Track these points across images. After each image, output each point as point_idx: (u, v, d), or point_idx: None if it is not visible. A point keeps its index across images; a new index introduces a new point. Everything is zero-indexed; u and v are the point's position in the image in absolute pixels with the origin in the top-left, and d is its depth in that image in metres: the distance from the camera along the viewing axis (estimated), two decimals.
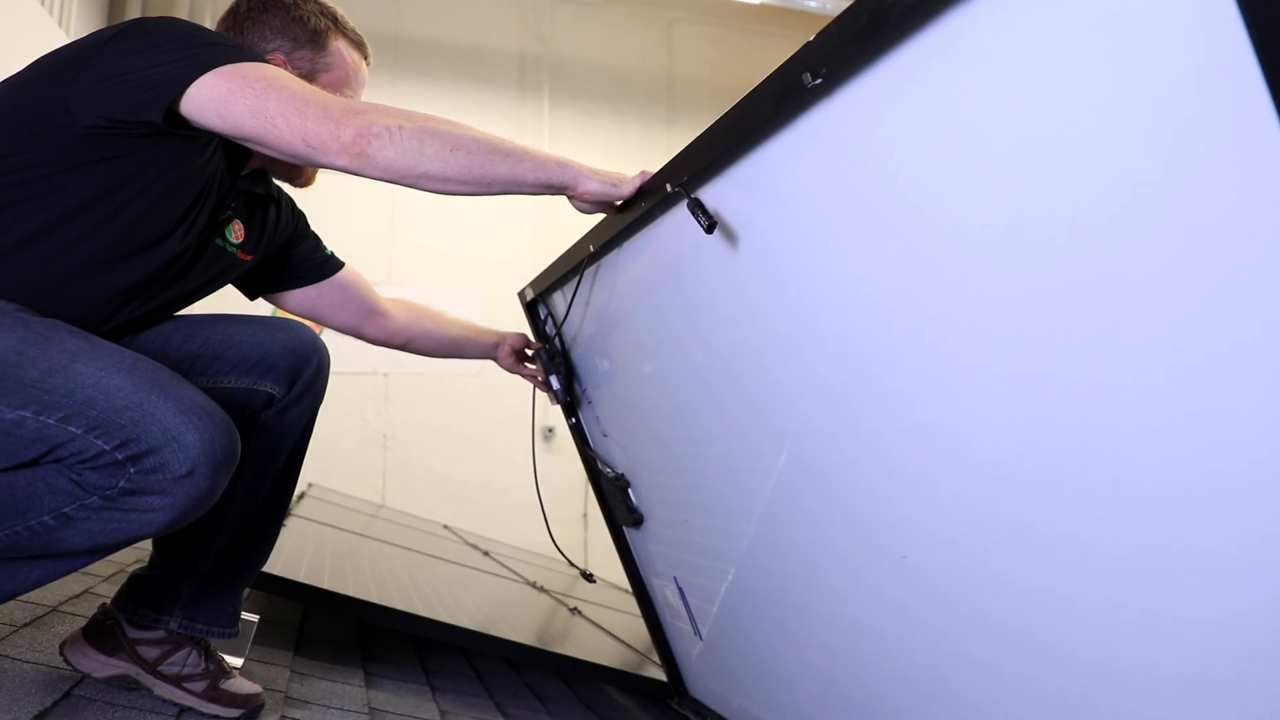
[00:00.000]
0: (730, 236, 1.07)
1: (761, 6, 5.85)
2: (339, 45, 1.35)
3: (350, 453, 5.32)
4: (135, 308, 1.18)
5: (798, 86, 0.83)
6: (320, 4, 1.35)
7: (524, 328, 1.85)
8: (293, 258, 1.51)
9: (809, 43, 0.81)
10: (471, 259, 5.75)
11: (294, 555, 2.08)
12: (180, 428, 0.97)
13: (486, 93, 5.98)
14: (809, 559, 1.21)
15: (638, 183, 1.20)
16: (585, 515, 5.52)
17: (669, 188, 1.12)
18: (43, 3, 3.78)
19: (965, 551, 0.88)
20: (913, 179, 0.79)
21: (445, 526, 4.81)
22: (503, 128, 5.12)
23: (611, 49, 6.30)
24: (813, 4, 5.69)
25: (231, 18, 1.32)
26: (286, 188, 1.46)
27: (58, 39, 3.69)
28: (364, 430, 5.44)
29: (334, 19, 1.35)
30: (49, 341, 1.00)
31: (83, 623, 1.29)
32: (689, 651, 1.86)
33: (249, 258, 1.37)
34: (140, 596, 1.25)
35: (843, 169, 0.86)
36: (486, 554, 3.88)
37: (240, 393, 1.22)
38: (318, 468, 4.94)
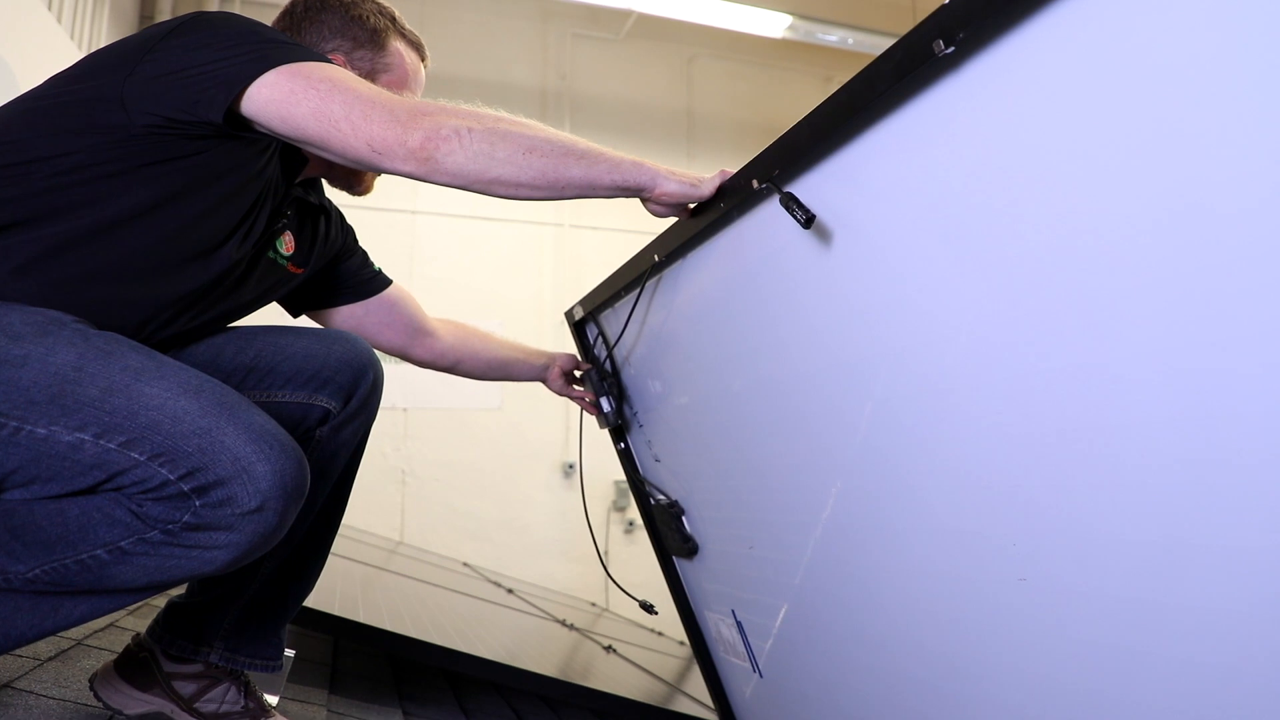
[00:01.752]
0: (825, 236, 0.99)
1: (781, 41, 5.84)
2: (398, 45, 1.29)
3: (368, 488, 5.22)
4: (189, 319, 1.10)
5: (926, 55, 0.76)
6: (378, 3, 1.30)
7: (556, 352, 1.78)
8: (341, 272, 1.45)
9: (942, 7, 0.74)
10: (492, 294, 5.70)
11: (322, 588, 1.99)
12: (251, 457, 0.89)
13: None
14: (888, 591, 1.11)
15: (718, 182, 1.13)
16: (607, 553, 5.40)
17: (755, 184, 1.04)
18: (50, 7, 3.74)
19: (1064, 577, 0.79)
20: (1064, 168, 0.71)
21: (465, 564, 4.70)
22: None
23: (632, 84, 6.30)
24: (832, 39, 5.68)
25: (288, 18, 1.26)
26: (339, 198, 1.40)
27: (69, 50, 3.66)
28: (383, 466, 5.35)
29: (392, 19, 1.30)
30: (110, 357, 0.91)
31: (111, 657, 1.20)
32: (742, 689, 1.75)
33: (299, 271, 1.31)
34: (178, 626, 1.17)
35: (974, 154, 0.78)
36: (510, 591, 3.77)
37: (295, 408, 1.14)
38: None
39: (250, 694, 1.20)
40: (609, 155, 1.11)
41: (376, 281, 1.51)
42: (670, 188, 1.12)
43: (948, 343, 0.89)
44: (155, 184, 1.02)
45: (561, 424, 5.48)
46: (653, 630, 4.13)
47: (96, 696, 1.13)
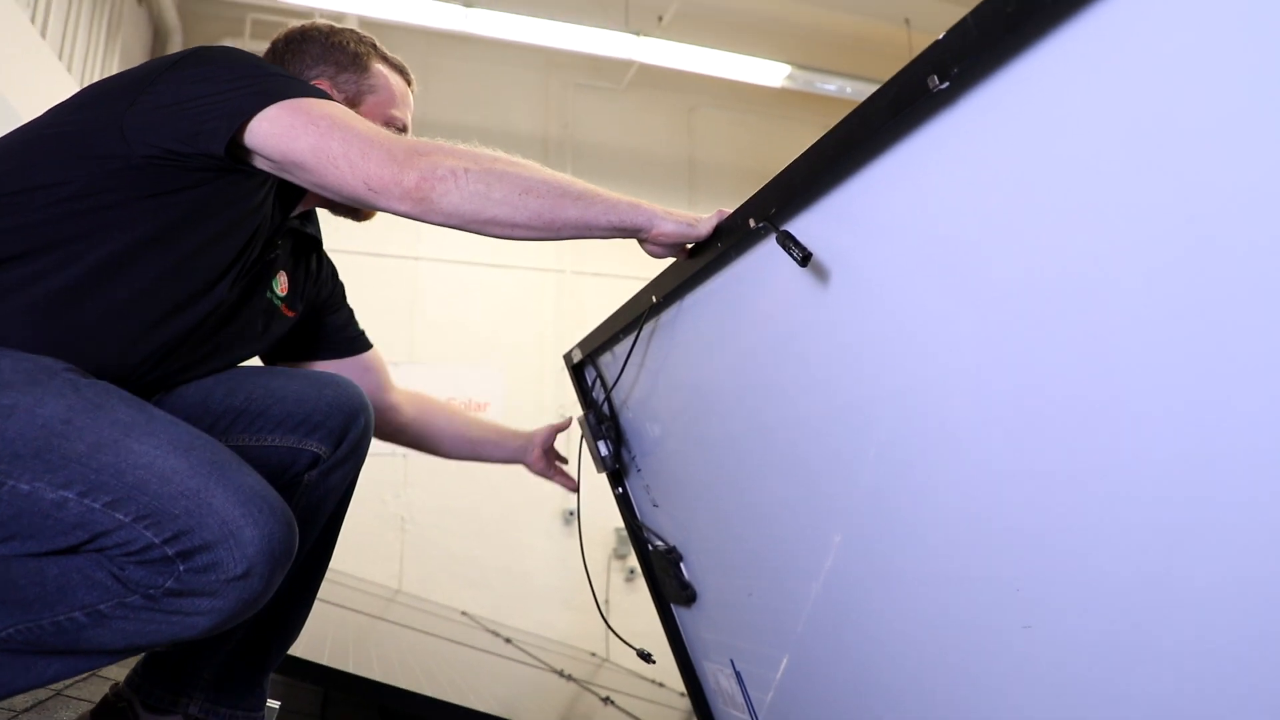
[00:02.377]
0: (822, 274, 0.98)
1: (781, 91, 5.90)
2: (380, 67, 1.31)
3: (367, 535, 5.17)
4: (182, 356, 1.09)
5: (921, 91, 0.75)
6: (356, 32, 1.33)
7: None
8: (327, 325, 1.44)
9: (936, 43, 0.73)
10: (493, 337, 5.71)
11: (313, 637, 1.95)
12: (239, 521, 0.86)
13: None
14: (891, 638, 1.08)
15: (715, 221, 1.12)
16: (607, 601, 5.33)
17: (752, 223, 1.03)
18: (41, 32, 3.78)
19: (1082, 627, 0.76)
20: (1063, 202, 0.69)
21: (463, 613, 4.63)
22: None
23: (634, 133, 6.36)
24: (830, 88, 5.75)
25: (271, 54, 1.29)
26: (339, 243, 1.40)
27: (66, 82, 3.70)
28: (381, 512, 5.31)
29: (373, 45, 1.33)
30: (99, 410, 0.89)
31: (89, 707, 1.16)
32: None
33: (292, 314, 1.31)
34: (157, 676, 1.13)
35: (971, 190, 0.77)
36: (509, 641, 3.70)
37: (285, 452, 1.12)
38: (336, 550, 4.77)
39: None
40: (605, 196, 1.10)
41: (360, 341, 1.50)
42: (667, 228, 1.11)
43: (948, 381, 0.87)
44: (154, 217, 1.01)
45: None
46: (654, 681, 4.05)
47: None
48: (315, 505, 1.17)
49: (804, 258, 0.93)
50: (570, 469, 1.69)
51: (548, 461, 1.65)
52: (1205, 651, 0.68)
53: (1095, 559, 0.75)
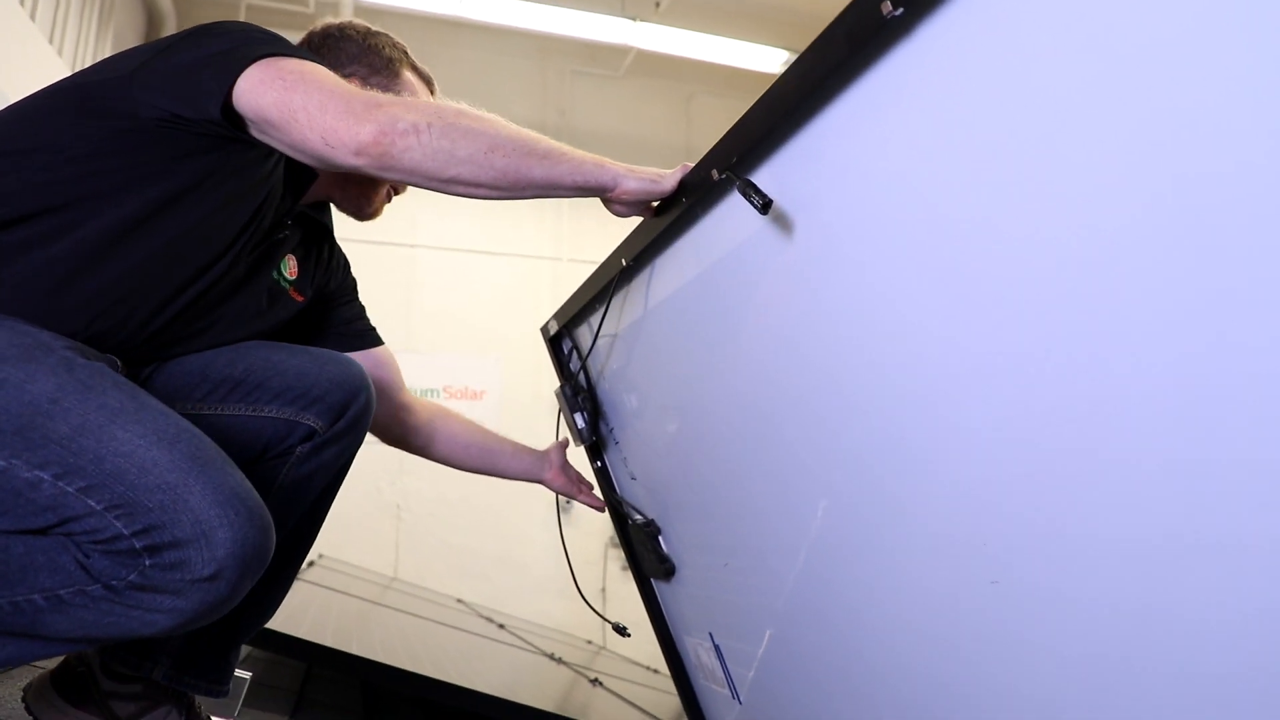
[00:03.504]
0: (786, 225, 0.96)
1: (778, 77, 5.86)
2: (410, 76, 1.31)
3: (362, 524, 5.16)
4: (183, 326, 1.08)
5: (875, 20, 0.72)
6: (391, 37, 1.32)
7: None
8: (336, 318, 1.41)
9: None
10: (490, 326, 5.69)
11: (298, 615, 1.93)
12: (213, 522, 0.84)
13: None
14: (871, 611, 1.05)
15: (679, 176, 1.09)
16: (604, 590, 5.31)
17: (715, 175, 1.01)
18: (31, 15, 3.77)
19: (1055, 597, 0.74)
20: (1030, 133, 0.67)
21: (459, 600, 4.62)
22: (523, 200, 5.10)
23: (631, 120, 6.33)
24: None
25: (306, 46, 1.28)
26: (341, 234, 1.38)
27: (57, 66, 3.68)
28: (377, 501, 5.30)
29: (404, 51, 1.32)
30: (89, 393, 0.87)
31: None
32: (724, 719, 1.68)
33: (301, 299, 1.29)
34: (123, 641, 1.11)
35: (934, 124, 0.75)
36: (502, 627, 3.69)
37: (281, 424, 1.11)
38: (328, 539, 4.75)
39: (194, 718, 1.14)
40: (571, 155, 1.07)
41: (370, 336, 1.46)
42: (631, 185, 1.09)
43: (915, 333, 0.84)
44: (159, 183, 1.00)
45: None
46: (649, 668, 4.04)
47: (28, 710, 1.07)
48: (305, 478, 1.15)
49: (764, 204, 0.91)
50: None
51: (568, 478, 1.61)
52: (1172, 608, 0.65)
53: (1068, 517, 0.73)
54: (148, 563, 0.83)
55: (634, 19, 5.28)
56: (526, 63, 6.19)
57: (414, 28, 5.74)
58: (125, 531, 0.82)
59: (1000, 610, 0.83)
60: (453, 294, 5.72)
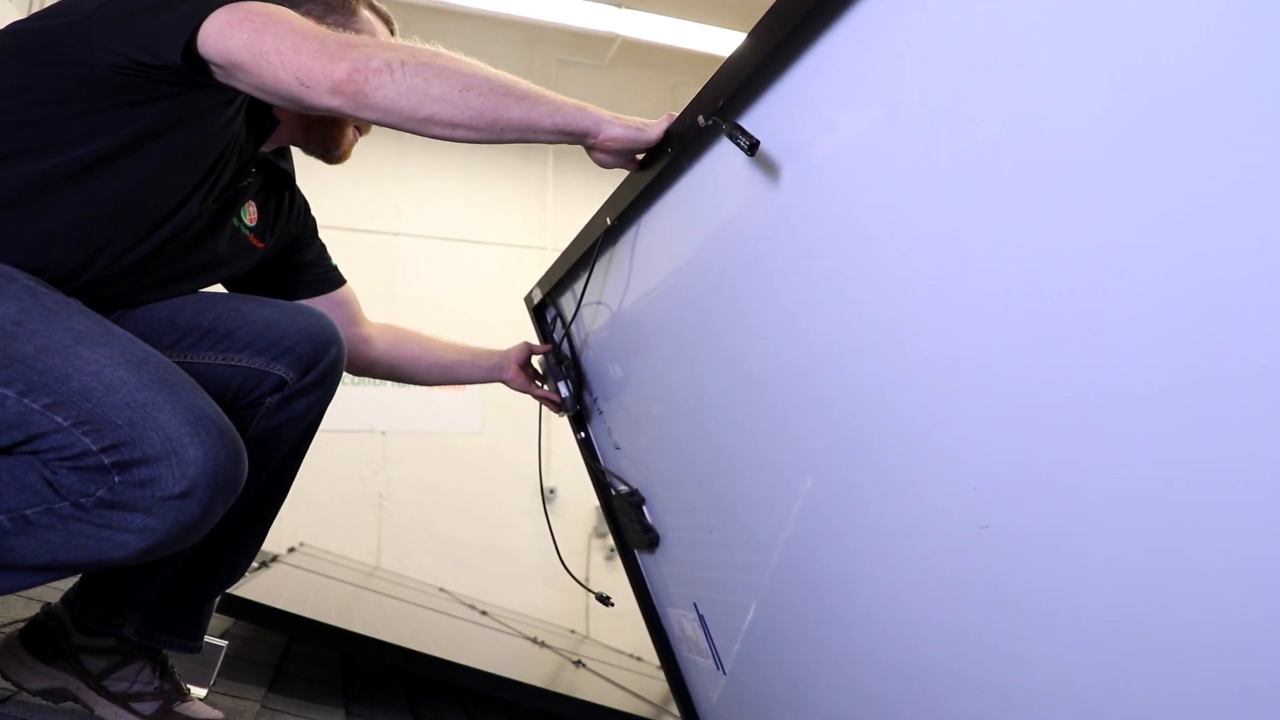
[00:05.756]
0: (773, 170, 0.94)
1: None
2: (368, 14, 1.30)
3: (344, 513, 5.12)
4: (147, 274, 1.06)
5: None
6: None
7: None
8: (301, 262, 1.40)
9: None
10: (474, 317, 5.64)
11: (275, 591, 1.91)
12: (184, 439, 0.83)
13: (492, 152, 5.96)
14: (857, 579, 1.04)
15: (665, 124, 1.08)
16: (587, 579, 5.29)
17: (701, 120, 0.99)
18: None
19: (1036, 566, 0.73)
20: (1021, 67, 0.66)
21: (441, 589, 4.59)
22: (508, 187, 5.07)
23: (616, 109, 6.23)
24: None
25: None
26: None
27: None
28: (360, 490, 5.25)
29: None
30: (54, 316, 0.87)
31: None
32: (708, 693, 1.67)
33: (261, 245, 1.28)
34: (93, 594, 1.09)
35: (920, 57, 0.73)
36: (484, 613, 3.67)
37: (251, 373, 1.09)
38: (310, 527, 4.75)
39: (166, 675, 1.12)
40: (551, 98, 1.06)
41: (333, 277, 1.46)
42: (615, 132, 1.07)
43: (907, 279, 0.82)
44: (120, 128, 0.98)
45: (544, 448, 5.39)
46: (631, 655, 4.03)
47: None
48: (275, 430, 1.13)
49: (751, 146, 0.89)
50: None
51: (526, 378, 1.60)
52: (1161, 551, 0.64)
53: (1062, 466, 0.72)
54: (117, 479, 0.82)
55: (620, 6, 5.26)
56: (512, 51, 6.15)
57: (398, 13, 5.64)
58: (93, 447, 0.81)
59: (990, 562, 0.82)
60: (436, 282, 5.67)
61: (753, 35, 0.89)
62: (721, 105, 0.96)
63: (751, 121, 0.95)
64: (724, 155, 1.02)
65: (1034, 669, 0.80)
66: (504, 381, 1.61)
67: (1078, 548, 0.71)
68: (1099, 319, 0.64)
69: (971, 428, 0.79)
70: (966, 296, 0.75)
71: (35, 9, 3.95)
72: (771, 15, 0.85)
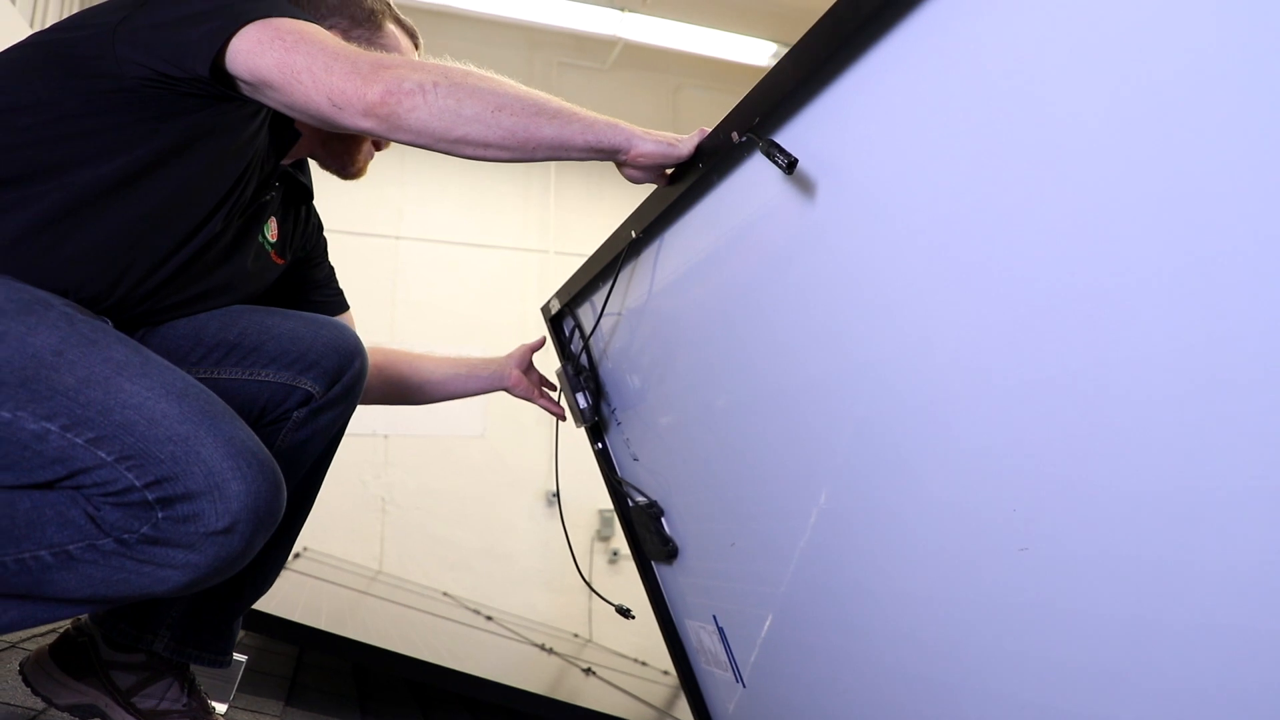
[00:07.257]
0: (809, 188, 0.94)
1: (766, 70, 5.85)
2: (393, 28, 1.28)
3: (347, 516, 5.11)
4: (176, 291, 1.05)
5: None
6: None
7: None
8: (310, 281, 1.40)
9: None
10: (475, 320, 5.64)
11: (289, 603, 1.90)
12: (226, 474, 0.83)
13: None
14: (887, 596, 1.04)
15: (696, 139, 1.07)
16: (591, 583, 5.29)
17: (735, 137, 0.99)
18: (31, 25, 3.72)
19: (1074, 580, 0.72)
20: (1069, 88, 0.65)
21: (445, 594, 4.58)
22: (510, 190, 5.07)
23: (617, 112, 6.12)
24: None
25: None
26: (327, 190, 1.36)
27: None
28: (362, 493, 5.24)
29: (388, 3, 1.29)
30: (93, 345, 0.85)
31: None
32: (725, 704, 1.67)
33: (281, 261, 1.27)
34: (123, 610, 1.09)
35: (966, 77, 0.73)
36: (489, 619, 3.66)
37: (277, 388, 1.09)
38: (312, 531, 4.73)
39: (193, 693, 1.11)
40: (583, 115, 1.06)
41: (340, 301, 1.45)
42: (647, 148, 1.07)
43: (943, 298, 0.83)
44: (146, 143, 0.98)
45: (545, 451, 5.39)
46: (636, 660, 4.02)
47: (26, 682, 1.04)
48: (301, 444, 1.13)
49: (789, 164, 0.89)
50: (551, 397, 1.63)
51: (529, 384, 1.58)
52: (1203, 569, 0.64)
53: (1094, 476, 0.72)
54: (160, 515, 0.81)
55: (622, 10, 5.26)
56: (513, 55, 6.15)
57: None
58: (137, 483, 0.81)
59: (1028, 580, 0.82)
60: (437, 286, 5.66)
61: (794, 53, 0.88)
62: (757, 122, 0.96)
63: (786, 138, 0.95)
64: (756, 171, 1.02)
65: (1065, 690, 0.79)
66: (506, 389, 1.59)
67: (1118, 569, 0.71)
68: (1140, 335, 0.63)
69: (1014, 448, 0.79)
70: (1004, 320, 0.75)
71: (36, 10, 3.94)
72: (814, 34, 0.85)
